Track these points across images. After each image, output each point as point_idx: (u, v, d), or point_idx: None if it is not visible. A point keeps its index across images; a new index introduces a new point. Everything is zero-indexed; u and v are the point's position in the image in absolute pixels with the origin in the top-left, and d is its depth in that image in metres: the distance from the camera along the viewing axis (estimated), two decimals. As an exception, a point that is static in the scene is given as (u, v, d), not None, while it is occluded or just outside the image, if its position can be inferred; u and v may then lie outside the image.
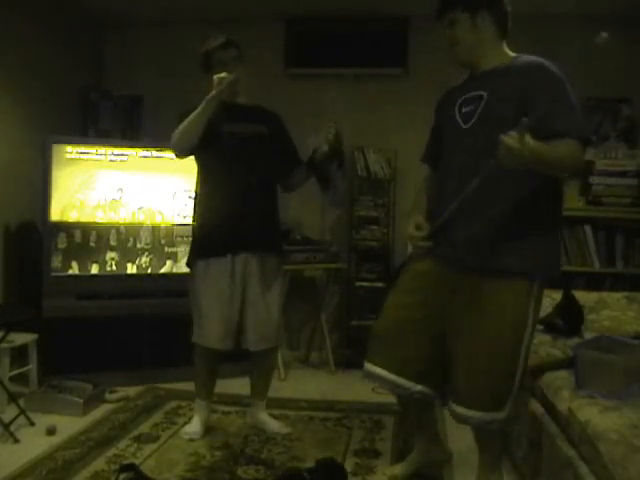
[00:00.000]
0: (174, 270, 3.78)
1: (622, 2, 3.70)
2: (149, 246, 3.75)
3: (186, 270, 2.88)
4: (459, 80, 2.19)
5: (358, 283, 4.17)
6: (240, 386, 3.25)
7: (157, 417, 3.07)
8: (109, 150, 3.64)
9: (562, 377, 2.26)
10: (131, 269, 3.71)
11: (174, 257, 3.80)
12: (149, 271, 3.75)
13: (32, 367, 3.31)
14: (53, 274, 3.48)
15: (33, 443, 2.65)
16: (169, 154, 3.51)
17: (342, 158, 2.89)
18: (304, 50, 4.27)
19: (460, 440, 2.59)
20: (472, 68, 2.12)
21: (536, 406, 2.33)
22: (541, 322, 2.69)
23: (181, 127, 2.63)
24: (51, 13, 3.88)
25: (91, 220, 3.60)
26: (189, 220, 3.11)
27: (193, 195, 2.87)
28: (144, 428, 2.91)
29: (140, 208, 3.73)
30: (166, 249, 3.79)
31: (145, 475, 2.31)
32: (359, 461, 2.59)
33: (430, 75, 3.93)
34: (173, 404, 3.26)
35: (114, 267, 3.66)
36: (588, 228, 3.78)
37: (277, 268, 2.84)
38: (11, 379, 3.14)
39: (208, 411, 2.91)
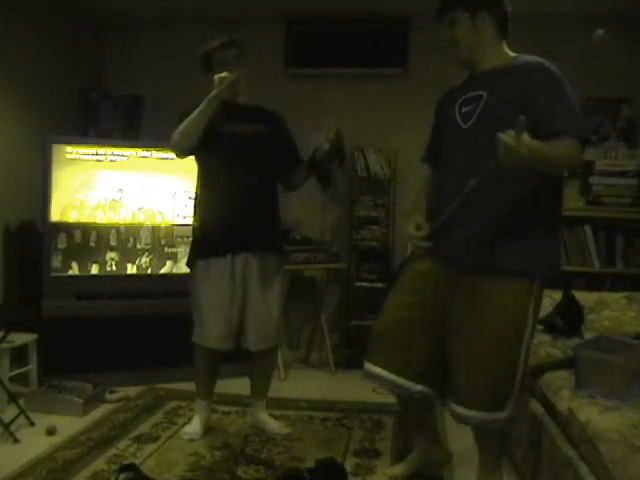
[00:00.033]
0: (174, 270, 3.78)
1: (622, 2, 3.70)
2: (149, 246, 3.75)
3: (186, 270, 2.88)
4: (459, 80, 2.19)
5: (358, 283, 4.17)
6: (240, 386, 3.25)
7: (157, 417, 3.07)
8: (109, 150, 3.64)
9: (562, 377, 2.26)
10: (131, 269, 3.71)
11: (174, 257, 3.80)
12: (149, 271, 3.75)
13: (32, 367, 3.31)
14: (53, 274, 3.48)
15: (33, 443, 2.65)
16: (169, 154, 3.52)
17: (343, 156, 2.90)
18: (304, 50, 4.27)
19: (460, 440, 2.59)
20: (472, 68, 2.12)
21: (536, 406, 2.33)
22: (541, 322, 2.69)
23: (181, 127, 2.63)
24: (51, 13, 3.88)
25: (91, 220, 3.60)
26: (189, 220, 3.12)
27: (193, 195, 2.86)
28: (144, 428, 2.91)
29: (140, 208, 3.73)
30: (166, 249, 3.79)
31: (145, 475, 2.31)
32: (359, 461, 2.59)
33: (430, 75, 3.93)
34: (173, 404, 3.26)
35: (114, 267, 3.66)
36: (588, 228, 3.78)
37: (277, 268, 2.84)
38: (11, 379, 3.14)
39: (208, 411, 2.91)
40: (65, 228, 3.53)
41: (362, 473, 2.47)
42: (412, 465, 2.39)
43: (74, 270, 3.56)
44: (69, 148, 3.53)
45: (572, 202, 3.71)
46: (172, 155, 2.81)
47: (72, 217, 3.55)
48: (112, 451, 2.61)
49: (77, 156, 3.55)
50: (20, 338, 3.20)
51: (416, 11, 3.91)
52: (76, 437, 2.75)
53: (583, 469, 1.78)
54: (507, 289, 1.98)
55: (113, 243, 3.65)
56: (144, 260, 3.74)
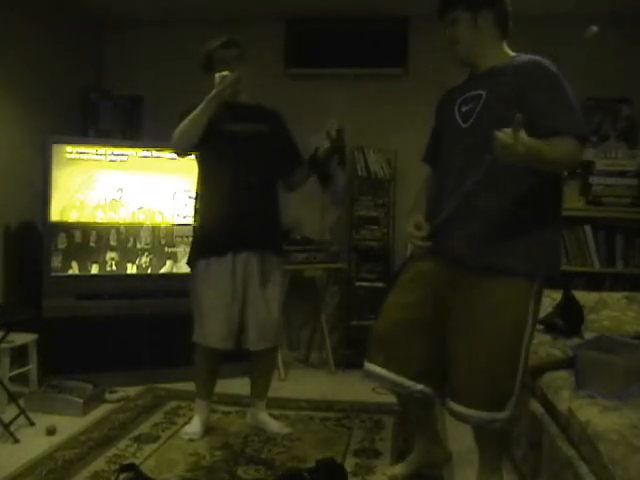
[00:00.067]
0: (174, 270, 3.78)
1: (622, 2, 3.70)
2: (149, 246, 3.75)
3: (186, 270, 2.88)
4: (459, 80, 2.20)
5: (358, 283, 4.17)
6: (240, 386, 3.25)
7: (157, 417, 3.07)
8: (109, 150, 3.64)
9: (562, 377, 2.26)
10: (131, 269, 3.71)
11: (174, 257, 3.80)
12: (149, 271, 3.75)
13: (32, 367, 3.31)
14: (53, 274, 3.48)
15: (33, 443, 2.65)
16: (169, 154, 3.53)
17: (344, 154, 2.90)
18: (304, 50, 4.27)
19: (460, 440, 2.59)
20: (472, 67, 2.12)
21: (536, 406, 2.33)
22: (541, 322, 2.69)
23: (182, 126, 2.63)
24: (51, 13, 3.88)
25: (91, 220, 3.60)
26: (189, 220, 3.12)
27: (194, 194, 2.86)
28: (144, 428, 2.91)
29: (140, 208, 3.73)
30: (166, 249, 3.79)
31: (145, 475, 2.31)
32: (359, 461, 2.59)
33: (430, 75, 3.93)
34: (173, 404, 3.26)
35: (114, 267, 3.66)
36: (588, 228, 3.78)
37: (278, 267, 2.83)
38: (11, 379, 3.14)
39: (208, 411, 2.90)
40: (65, 228, 3.53)
41: (362, 473, 2.47)
42: (412, 465, 2.39)
43: (74, 270, 3.56)
44: (69, 148, 3.53)
45: (572, 202, 3.71)
46: (172, 155, 2.81)
47: (72, 217, 3.55)
48: (112, 451, 2.61)
49: (77, 156, 3.55)
50: (20, 338, 3.20)
51: (416, 11, 3.91)
52: (76, 437, 2.75)
53: (583, 469, 1.78)
54: (507, 289, 1.98)
55: (113, 243, 3.65)
56: (144, 260, 3.74)
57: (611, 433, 1.69)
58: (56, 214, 3.49)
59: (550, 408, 2.19)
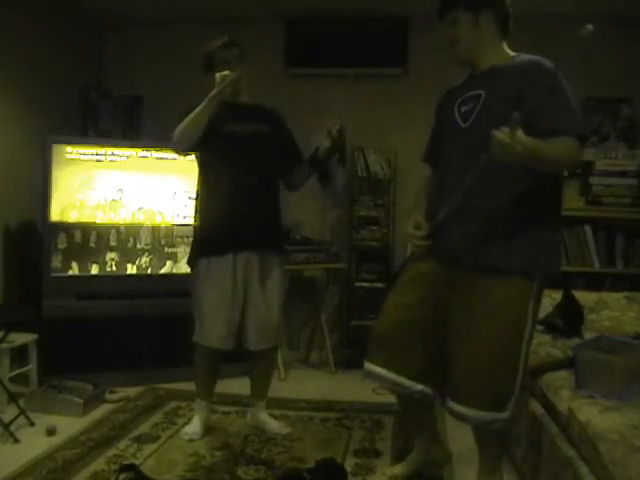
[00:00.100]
0: (174, 270, 3.78)
1: (622, 2, 3.70)
2: (149, 246, 3.75)
3: (186, 270, 2.88)
4: (459, 80, 2.20)
5: (358, 283, 4.17)
6: (240, 386, 3.25)
7: (157, 417, 3.07)
8: (109, 150, 3.64)
9: (562, 377, 2.26)
10: (131, 269, 3.71)
11: (174, 257, 3.80)
12: (149, 271, 3.75)
13: (32, 367, 3.31)
14: (53, 274, 3.48)
15: (33, 443, 2.65)
16: (169, 154, 3.53)
17: (344, 153, 2.90)
18: (304, 50, 4.27)
19: (460, 440, 2.59)
20: (472, 67, 2.12)
21: (536, 406, 2.33)
22: (541, 322, 2.69)
23: (182, 125, 2.63)
24: (51, 13, 3.88)
25: (91, 220, 3.60)
26: (189, 220, 3.11)
27: (194, 194, 2.86)
28: (144, 428, 2.91)
29: (140, 208, 3.73)
30: (166, 249, 3.79)
31: (145, 475, 2.31)
32: (359, 461, 2.59)
33: (430, 75, 3.93)
34: (173, 404, 3.26)
35: (114, 267, 3.66)
36: (588, 228, 3.78)
37: (279, 267, 2.83)
38: (11, 379, 3.14)
39: (208, 411, 2.90)
40: (65, 228, 3.53)
41: (362, 473, 2.47)
42: (412, 465, 2.39)
43: (74, 270, 3.56)
44: (69, 148, 3.53)
45: (572, 202, 3.71)
46: (172, 155, 2.81)
47: (72, 217, 3.55)
48: (112, 451, 2.61)
49: (77, 156, 3.55)
50: (20, 338, 3.20)
51: (416, 11, 3.91)
52: (76, 437, 2.75)
53: (583, 469, 1.78)
54: (507, 289, 1.98)
55: (113, 243, 3.65)
56: (144, 260, 3.74)
57: (611, 433, 1.69)
58: (56, 214, 3.49)
59: (550, 408, 2.19)
